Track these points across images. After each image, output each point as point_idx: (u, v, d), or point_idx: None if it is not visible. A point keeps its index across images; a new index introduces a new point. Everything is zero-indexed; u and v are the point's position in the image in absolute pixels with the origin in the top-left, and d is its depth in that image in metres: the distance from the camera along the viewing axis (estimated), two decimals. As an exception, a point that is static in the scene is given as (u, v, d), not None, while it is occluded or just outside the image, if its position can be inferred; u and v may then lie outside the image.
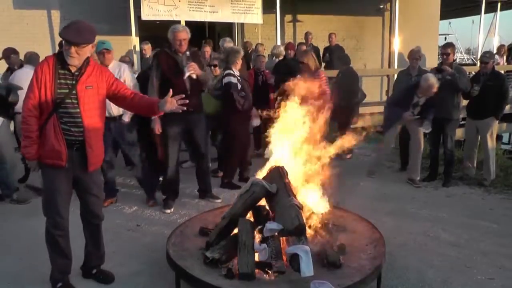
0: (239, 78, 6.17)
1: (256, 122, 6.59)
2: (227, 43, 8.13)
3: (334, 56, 10.48)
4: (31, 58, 6.56)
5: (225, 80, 6.09)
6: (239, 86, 6.11)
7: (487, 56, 6.57)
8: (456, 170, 6.89)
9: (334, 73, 8.76)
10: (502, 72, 9.74)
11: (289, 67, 7.43)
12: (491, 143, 6.57)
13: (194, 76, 5.19)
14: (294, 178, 4.05)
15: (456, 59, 31.80)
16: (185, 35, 5.26)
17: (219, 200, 5.83)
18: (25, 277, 3.96)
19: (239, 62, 6.28)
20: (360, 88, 7.79)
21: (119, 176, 7.05)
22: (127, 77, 5.55)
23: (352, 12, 13.23)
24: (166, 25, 10.51)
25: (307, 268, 3.08)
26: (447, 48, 6.55)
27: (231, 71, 6.12)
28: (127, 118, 5.66)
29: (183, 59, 5.29)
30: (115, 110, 5.43)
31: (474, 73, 7.29)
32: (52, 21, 10.17)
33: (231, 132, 6.30)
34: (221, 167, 6.93)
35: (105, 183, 5.89)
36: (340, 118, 7.17)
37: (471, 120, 6.75)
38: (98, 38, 10.88)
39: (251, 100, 6.33)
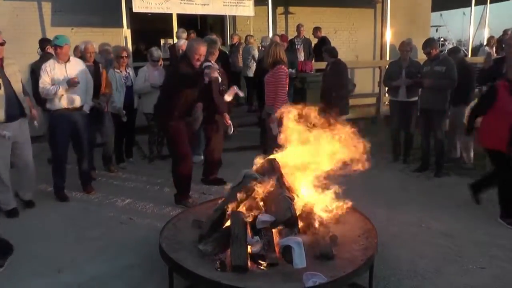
0: (219, 71, 5.89)
1: (231, 130, 6.19)
2: (180, 33, 8.54)
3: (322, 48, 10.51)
4: None
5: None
6: (220, 79, 5.94)
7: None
8: (447, 160, 6.93)
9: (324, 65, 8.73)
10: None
11: None
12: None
13: None
14: (288, 170, 4.06)
15: (447, 50, 31.89)
16: None
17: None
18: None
19: (216, 53, 6.14)
20: (350, 79, 7.76)
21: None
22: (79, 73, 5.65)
23: (344, 4, 13.21)
24: (158, 18, 10.55)
25: (299, 260, 3.09)
26: (426, 48, 6.58)
27: (210, 63, 5.89)
28: (87, 108, 5.80)
29: None
30: (77, 100, 5.62)
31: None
32: (43, 13, 10.06)
33: (210, 127, 6.18)
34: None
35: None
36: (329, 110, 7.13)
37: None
38: (89, 30, 10.81)
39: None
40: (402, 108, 7.12)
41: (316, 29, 11.59)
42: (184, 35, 8.80)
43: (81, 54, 6.41)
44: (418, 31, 12.56)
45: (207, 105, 5.90)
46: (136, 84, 7.16)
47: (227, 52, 10.38)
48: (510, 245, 4.37)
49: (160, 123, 5.75)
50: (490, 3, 15.18)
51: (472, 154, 7.03)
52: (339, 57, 7.72)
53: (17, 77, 5.14)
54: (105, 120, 6.67)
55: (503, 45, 6.89)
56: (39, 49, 7.25)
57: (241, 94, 5.73)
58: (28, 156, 5.36)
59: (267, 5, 10.80)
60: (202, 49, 5.00)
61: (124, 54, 7.03)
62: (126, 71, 7.09)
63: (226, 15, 11.78)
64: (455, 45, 35.03)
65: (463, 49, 14.84)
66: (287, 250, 3.17)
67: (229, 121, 6.11)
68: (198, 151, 7.41)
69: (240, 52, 10.59)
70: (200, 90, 5.36)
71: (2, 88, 4.87)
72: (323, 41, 11.11)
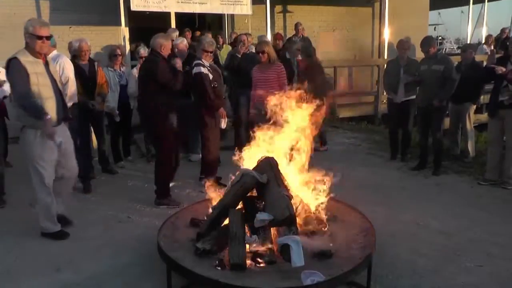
0: (209, 68, 5.92)
1: (224, 123, 6.10)
2: (170, 33, 8.31)
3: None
4: None
5: (195, 70, 5.82)
6: (211, 77, 5.87)
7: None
8: (445, 159, 6.94)
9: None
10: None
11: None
12: (469, 124, 7.25)
13: None
14: (284, 168, 4.06)
15: (445, 48, 32.02)
16: None
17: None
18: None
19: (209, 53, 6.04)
20: (326, 80, 7.68)
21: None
22: (66, 68, 5.55)
23: (343, 2, 13.22)
24: (156, 16, 10.54)
25: (298, 258, 3.10)
26: (424, 46, 6.56)
27: (200, 61, 5.85)
28: None
29: None
30: None
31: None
32: (41, 12, 10.02)
33: (204, 126, 6.03)
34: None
35: None
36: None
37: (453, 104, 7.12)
38: (87, 28, 10.73)
39: (222, 91, 6.19)
40: (400, 106, 7.12)
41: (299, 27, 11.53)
42: (175, 34, 8.62)
43: (75, 53, 6.15)
44: (416, 30, 12.58)
45: (201, 101, 5.93)
46: (129, 87, 7.03)
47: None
48: (507, 243, 4.38)
49: (146, 116, 5.65)
50: (488, 1, 15.23)
51: (474, 146, 7.28)
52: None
53: (58, 77, 4.71)
54: (100, 121, 6.59)
55: (507, 43, 6.96)
56: None
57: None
58: (74, 164, 4.78)
59: (265, 3, 10.81)
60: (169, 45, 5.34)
61: (118, 52, 6.92)
62: (120, 70, 7.01)
63: (224, 14, 11.78)
64: (452, 43, 35.17)
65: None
66: (285, 249, 3.17)
67: (225, 116, 6.09)
68: (197, 149, 7.39)
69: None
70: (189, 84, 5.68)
71: (52, 88, 4.40)
72: (301, 40, 11.03)
